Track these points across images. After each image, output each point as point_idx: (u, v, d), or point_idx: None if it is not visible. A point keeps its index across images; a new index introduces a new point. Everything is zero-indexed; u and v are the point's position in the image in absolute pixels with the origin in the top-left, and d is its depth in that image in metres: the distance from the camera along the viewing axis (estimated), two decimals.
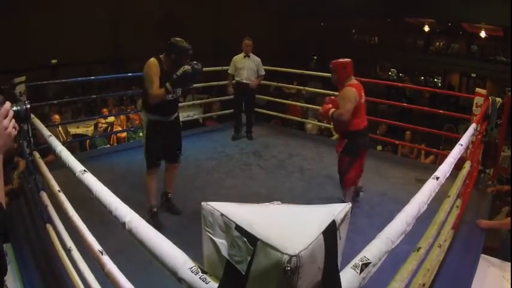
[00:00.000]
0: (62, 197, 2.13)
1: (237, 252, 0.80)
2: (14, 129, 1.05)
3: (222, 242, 0.86)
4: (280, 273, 0.72)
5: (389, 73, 15.68)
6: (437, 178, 1.60)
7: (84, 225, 1.77)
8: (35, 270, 2.63)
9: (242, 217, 0.83)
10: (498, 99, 3.80)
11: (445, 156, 2.00)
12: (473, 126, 2.78)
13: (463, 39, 13.40)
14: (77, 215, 1.89)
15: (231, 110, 5.76)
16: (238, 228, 0.81)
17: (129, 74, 5.65)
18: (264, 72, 5.36)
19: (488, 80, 12.67)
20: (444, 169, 1.74)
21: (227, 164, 4.63)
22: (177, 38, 2.98)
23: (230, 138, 5.48)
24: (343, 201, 3.35)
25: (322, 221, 0.83)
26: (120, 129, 6.47)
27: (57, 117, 5.91)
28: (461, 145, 2.17)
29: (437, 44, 14.15)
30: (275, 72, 6.23)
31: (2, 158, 1.05)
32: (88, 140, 6.02)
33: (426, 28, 13.76)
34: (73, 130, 6.51)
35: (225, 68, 5.45)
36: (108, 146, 6.00)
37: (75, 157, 1.71)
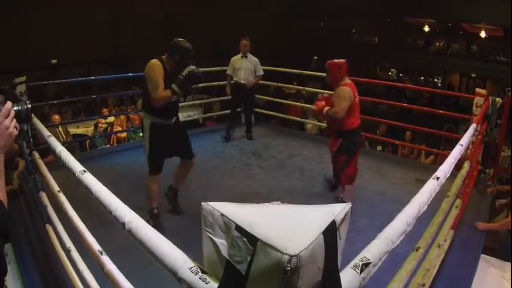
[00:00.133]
0: (62, 197, 2.13)
1: (237, 252, 0.80)
2: (15, 129, 1.05)
3: (222, 242, 0.86)
4: (280, 273, 0.72)
5: (390, 73, 15.69)
6: (438, 178, 1.60)
7: (84, 226, 1.77)
8: (35, 270, 2.63)
9: (242, 217, 0.83)
10: (498, 99, 3.80)
11: (445, 157, 2.00)
12: (473, 126, 2.78)
13: (463, 39, 13.41)
14: (76, 215, 1.89)
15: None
16: (238, 228, 0.81)
17: (129, 74, 5.65)
18: (262, 73, 5.35)
19: (488, 80, 12.68)
20: (444, 169, 1.74)
21: (227, 164, 4.63)
22: (179, 39, 2.95)
23: (230, 138, 5.47)
24: (343, 201, 3.39)
25: (322, 221, 0.83)
26: (120, 129, 6.47)
27: (57, 117, 5.90)
28: (462, 145, 2.17)
29: (437, 44, 14.15)
30: (275, 72, 6.23)
31: (3, 158, 1.05)
32: (88, 140, 6.02)
33: (426, 28, 13.77)
34: (73, 130, 6.50)
35: (225, 68, 5.45)
36: (108, 146, 5.99)
37: (75, 157, 1.70)
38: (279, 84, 6.94)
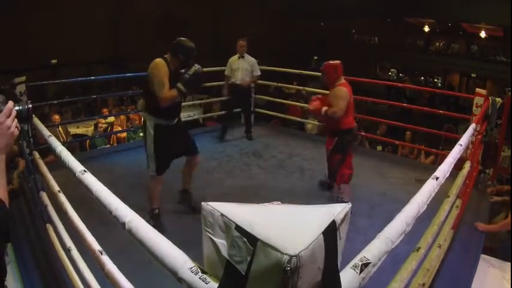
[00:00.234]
0: (62, 197, 2.13)
1: (237, 252, 0.80)
2: (16, 129, 1.05)
3: (222, 242, 0.86)
4: (280, 273, 0.72)
5: (390, 73, 15.68)
6: (437, 178, 1.60)
7: (84, 225, 1.77)
8: (35, 270, 2.63)
9: (242, 217, 0.83)
10: (498, 99, 3.80)
11: (444, 157, 2.00)
12: (473, 126, 2.78)
13: (463, 39, 13.40)
14: (76, 215, 1.89)
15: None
16: (238, 228, 0.81)
17: (129, 74, 5.65)
18: (259, 73, 5.36)
19: (488, 80, 12.67)
20: (444, 169, 1.74)
21: (227, 164, 4.63)
22: (182, 38, 2.94)
23: (230, 138, 5.48)
24: (343, 201, 3.41)
25: (322, 221, 0.83)
26: (120, 129, 6.47)
27: (57, 117, 5.91)
28: (461, 145, 2.17)
29: (437, 44, 14.15)
30: (275, 72, 6.23)
31: (5, 158, 1.05)
32: (88, 140, 6.02)
33: (426, 28, 13.76)
34: (73, 130, 6.50)
35: (224, 68, 5.45)
36: (108, 146, 6.00)
37: (75, 157, 1.70)
38: (279, 84, 6.94)
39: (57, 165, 2.04)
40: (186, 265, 0.92)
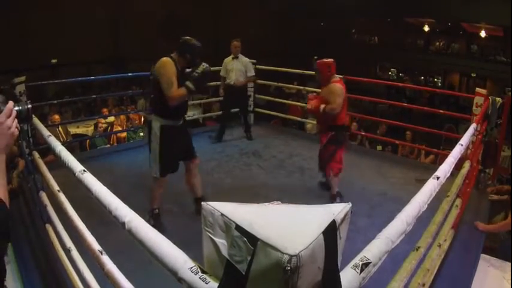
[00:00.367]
0: (62, 197, 2.13)
1: (237, 252, 0.80)
2: (16, 129, 1.05)
3: (222, 242, 0.85)
4: (280, 273, 0.72)
5: (389, 73, 15.69)
6: (438, 178, 1.60)
7: (84, 225, 1.77)
8: (35, 270, 2.63)
9: (242, 217, 0.83)
10: (498, 99, 3.80)
11: (445, 156, 2.00)
12: (473, 126, 2.78)
13: (463, 39, 13.41)
14: (76, 215, 1.89)
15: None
16: (238, 228, 0.81)
17: (129, 74, 5.64)
18: (253, 73, 5.35)
19: (488, 80, 12.68)
20: (444, 169, 1.74)
21: (227, 164, 4.63)
22: (188, 37, 2.94)
23: (230, 138, 5.47)
24: (340, 199, 3.56)
25: (322, 221, 0.83)
26: (120, 129, 6.47)
27: (57, 117, 5.90)
28: (462, 145, 2.17)
29: (437, 44, 14.15)
30: (275, 72, 6.23)
31: (5, 158, 1.05)
32: (88, 140, 6.02)
33: (426, 28, 13.76)
34: (73, 130, 6.50)
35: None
36: (108, 146, 5.99)
37: (75, 157, 1.70)
38: (279, 84, 6.94)
39: (57, 165, 2.04)
40: (186, 265, 0.92)
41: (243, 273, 0.78)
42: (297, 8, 12.85)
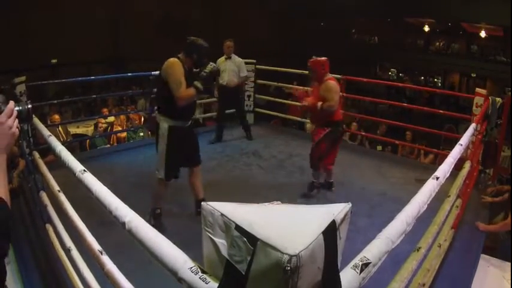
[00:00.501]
0: (62, 197, 2.13)
1: (237, 252, 0.80)
2: (17, 129, 1.05)
3: (222, 242, 0.86)
4: (280, 273, 0.72)
5: (390, 73, 15.70)
6: (437, 178, 1.60)
7: (84, 225, 1.77)
8: (35, 270, 2.63)
9: (242, 217, 0.83)
10: (498, 99, 3.80)
11: (445, 156, 2.00)
12: (473, 126, 2.78)
13: (463, 39, 13.41)
14: (76, 215, 1.89)
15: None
16: (238, 228, 0.81)
17: (129, 74, 5.64)
18: (246, 73, 5.33)
19: (488, 80, 12.68)
20: (444, 169, 1.74)
21: (227, 164, 4.63)
22: (195, 38, 2.94)
23: (230, 138, 5.47)
24: (314, 183, 3.79)
25: (322, 221, 0.83)
26: (120, 129, 6.47)
27: (57, 117, 5.90)
28: (461, 145, 2.17)
29: (437, 44, 14.16)
30: (275, 72, 6.22)
31: (6, 157, 1.06)
32: (88, 140, 6.01)
33: (426, 28, 13.77)
34: (73, 130, 6.49)
35: None
36: (108, 146, 5.99)
37: (75, 157, 1.70)
38: (279, 84, 6.93)
39: (57, 165, 2.04)
40: (186, 265, 0.92)
41: (243, 273, 0.78)
42: (297, 8, 12.86)
